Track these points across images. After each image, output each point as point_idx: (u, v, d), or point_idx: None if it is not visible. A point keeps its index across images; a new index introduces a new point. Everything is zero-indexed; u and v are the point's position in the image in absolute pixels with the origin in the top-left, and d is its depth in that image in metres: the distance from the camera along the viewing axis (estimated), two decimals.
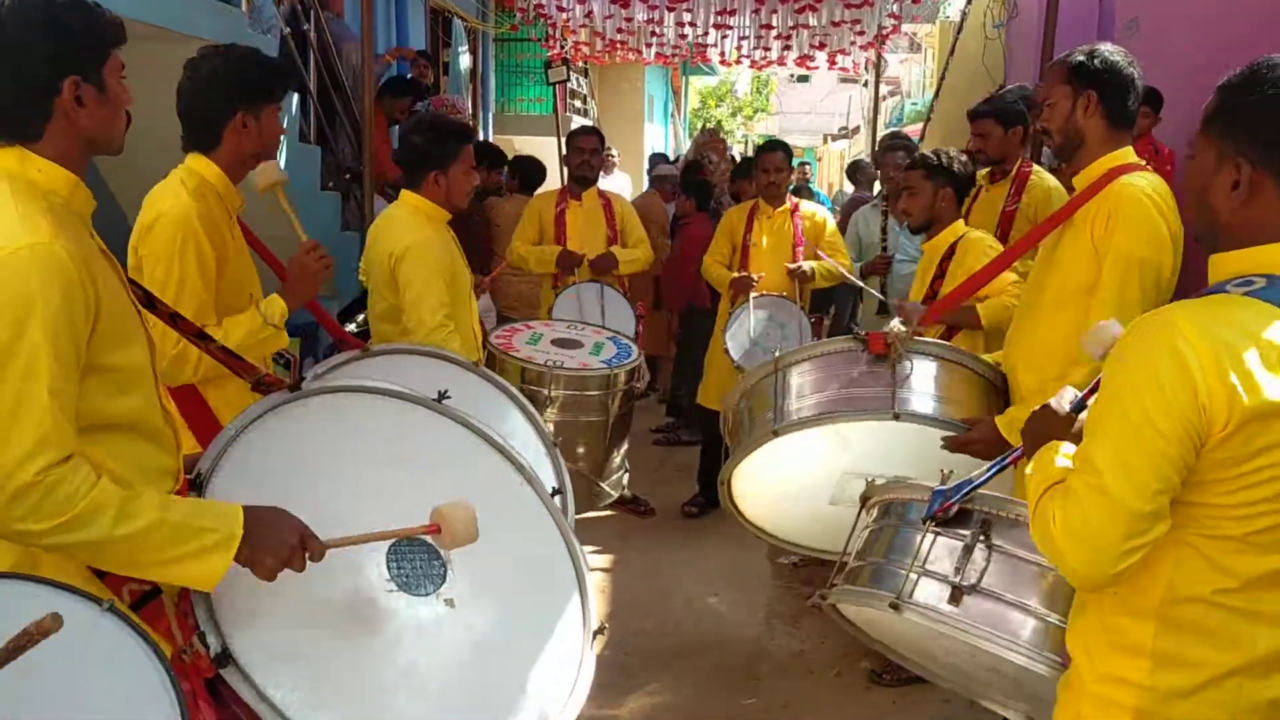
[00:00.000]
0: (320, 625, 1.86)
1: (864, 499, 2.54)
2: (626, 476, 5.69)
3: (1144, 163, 2.76)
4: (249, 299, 2.87)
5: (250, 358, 2.59)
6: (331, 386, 2.25)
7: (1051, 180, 4.63)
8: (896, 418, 2.88)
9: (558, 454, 2.88)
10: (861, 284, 5.10)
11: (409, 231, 3.50)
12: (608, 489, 4.31)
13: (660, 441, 7.16)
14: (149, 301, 2.43)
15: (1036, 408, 1.91)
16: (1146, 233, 2.60)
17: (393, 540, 1.98)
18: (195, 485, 1.95)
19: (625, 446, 4.47)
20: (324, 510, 2.02)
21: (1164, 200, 2.64)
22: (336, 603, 1.90)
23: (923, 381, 3.00)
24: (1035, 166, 4.63)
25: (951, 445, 2.86)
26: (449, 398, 2.09)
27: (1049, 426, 1.85)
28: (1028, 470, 1.82)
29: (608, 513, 5.64)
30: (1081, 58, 2.76)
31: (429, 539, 1.92)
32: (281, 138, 2.98)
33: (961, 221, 3.98)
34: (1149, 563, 1.62)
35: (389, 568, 1.98)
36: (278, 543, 1.78)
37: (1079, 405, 1.86)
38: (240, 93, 2.77)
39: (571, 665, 2.09)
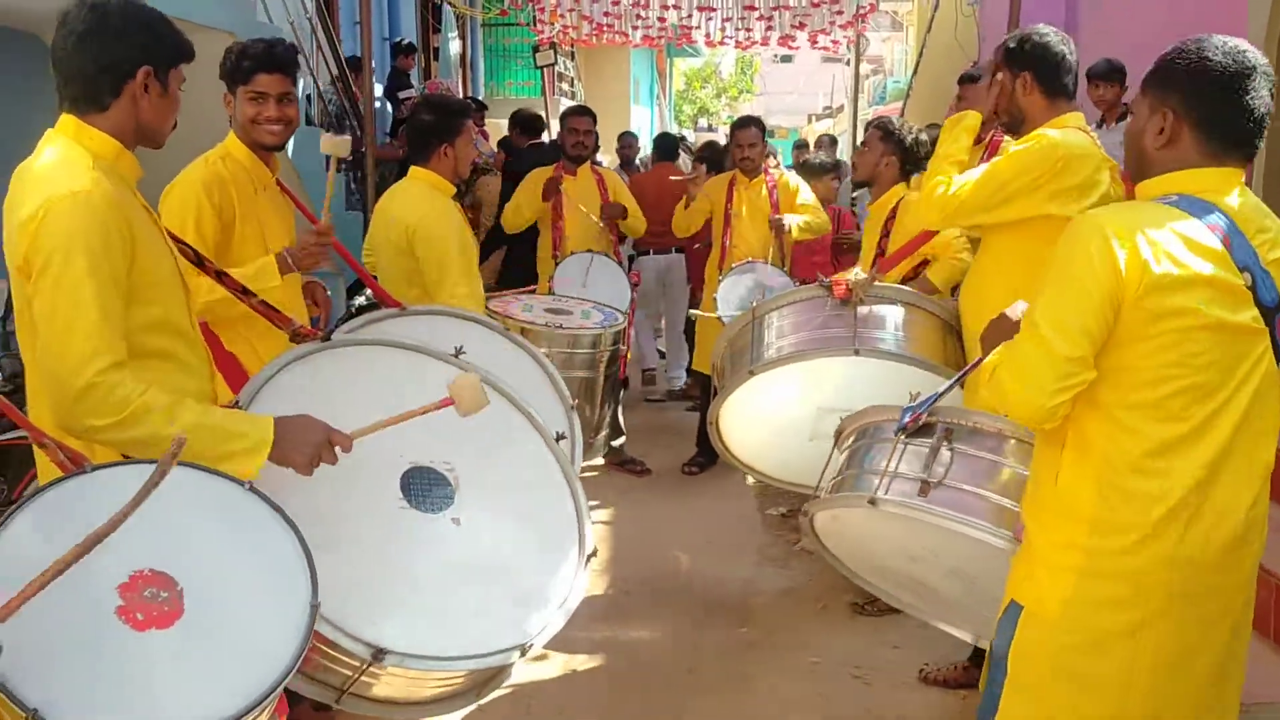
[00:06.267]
0: (341, 533, 2.13)
1: (837, 433, 2.85)
2: (622, 439, 6.04)
3: (1080, 123, 3.00)
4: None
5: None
6: (359, 340, 2.58)
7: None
8: (856, 353, 3.27)
9: (573, 413, 3.18)
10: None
11: (422, 202, 3.77)
12: (600, 441, 4.63)
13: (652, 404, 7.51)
14: (198, 260, 2.76)
15: (994, 317, 2.29)
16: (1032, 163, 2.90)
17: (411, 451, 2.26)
18: None
19: (616, 408, 4.76)
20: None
21: (1076, 145, 2.91)
22: (356, 515, 2.19)
23: (883, 322, 3.38)
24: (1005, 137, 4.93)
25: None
26: (464, 353, 2.45)
27: (1005, 330, 2.23)
28: (988, 360, 2.15)
29: (606, 473, 6.02)
30: (1013, 44, 3.08)
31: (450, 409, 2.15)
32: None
33: (904, 184, 4.34)
34: (1085, 435, 1.99)
35: (403, 489, 2.28)
36: (304, 443, 2.07)
37: None
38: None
39: (566, 581, 2.38)
